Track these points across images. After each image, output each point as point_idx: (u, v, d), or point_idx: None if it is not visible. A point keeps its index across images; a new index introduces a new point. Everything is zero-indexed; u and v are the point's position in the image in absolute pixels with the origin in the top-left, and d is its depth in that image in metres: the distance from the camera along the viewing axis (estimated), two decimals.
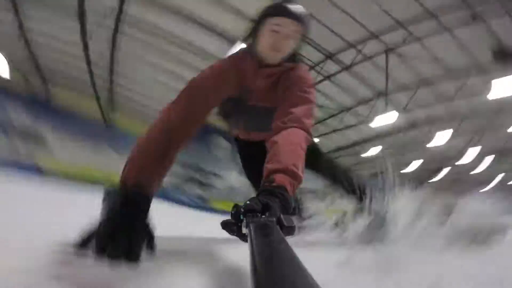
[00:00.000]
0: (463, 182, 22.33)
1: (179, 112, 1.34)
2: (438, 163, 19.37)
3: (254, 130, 1.93)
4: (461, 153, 16.75)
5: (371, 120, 12.29)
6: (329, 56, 9.61)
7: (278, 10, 1.45)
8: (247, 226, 0.74)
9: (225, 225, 0.86)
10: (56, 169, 12.63)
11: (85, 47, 8.99)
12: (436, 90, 11.07)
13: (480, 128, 13.91)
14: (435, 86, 10.87)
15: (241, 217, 0.81)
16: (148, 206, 1.11)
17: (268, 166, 1.15)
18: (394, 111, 11.50)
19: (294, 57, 1.58)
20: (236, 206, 0.85)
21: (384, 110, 11.40)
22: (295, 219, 0.84)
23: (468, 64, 9.42)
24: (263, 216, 0.80)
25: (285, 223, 0.77)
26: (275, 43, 1.46)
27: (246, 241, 0.77)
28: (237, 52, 1.67)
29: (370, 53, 9.44)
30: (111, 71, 11.32)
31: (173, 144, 1.25)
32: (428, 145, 14.67)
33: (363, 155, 17.02)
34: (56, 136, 13.55)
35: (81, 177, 12.71)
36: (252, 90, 1.62)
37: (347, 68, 10.09)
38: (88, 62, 9.74)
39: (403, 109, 11.92)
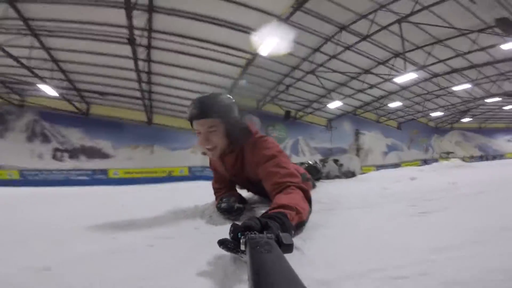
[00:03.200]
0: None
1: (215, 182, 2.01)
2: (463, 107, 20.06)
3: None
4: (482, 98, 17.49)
5: (392, 78, 13.08)
6: (342, 28, 10.25)
7: (189, 115, 1.52)
8: (245, 243, 0.73)
9: (221, 243, 0.85)
10: (124, 176, 15.62)
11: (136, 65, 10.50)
12: (451, 47, 11.49)
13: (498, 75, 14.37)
14: (448, 44, 11.31)
15: (239, 235, 0.81)
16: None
17: (269, 209, 1.16)
18: (413, 73, 12.27)
19: (240, 138, 1.60)
20: (234, 224, 0.86)
21: (404, 70, 12.09)
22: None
23: (475, 25, 9.90)
24: (262, 234, 0.77)
25: (284, 241, 0.75)
26: (201, 143, 1.56)
27: (243, 258, 0.84)
28: None
29: (383, 23, 9.96)
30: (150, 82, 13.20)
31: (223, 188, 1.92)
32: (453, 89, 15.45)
33: (390, 105, 17.99)
34: (114, 146, 16.51)
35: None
36: (233, 175, 1.80)
37: (365, 37, 10.71)
38: (140, 79, 11.56)
39: (421, 67, 12.55)
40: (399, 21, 9.81)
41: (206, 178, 14.09)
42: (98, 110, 16.22)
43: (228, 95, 1.59)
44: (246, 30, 9.54)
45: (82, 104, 15.72)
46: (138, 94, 13.39)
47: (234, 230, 0.84)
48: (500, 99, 17.34)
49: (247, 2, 8.62)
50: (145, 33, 9.56)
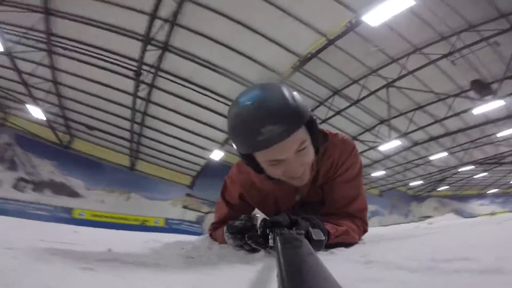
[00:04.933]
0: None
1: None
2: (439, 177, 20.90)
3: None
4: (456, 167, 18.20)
5: (378, 146, 13.35)
6: (336, 92, 10.71)
7: (261, 144, 0.94)
8: (274, 239, 0.69)
9: (250, 237, 0.83)
10: (92, 219, 13.69)
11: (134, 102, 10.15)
12: (429, 113, 12.19)
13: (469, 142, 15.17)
14: (427, 110, 12.00)
15: (267, 231, 0.78)
16: None
17: None
18: (397, 140, 12.61)
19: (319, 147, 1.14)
20: (264, 219, 0.82)
21: (389, 137, 12.45)
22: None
23: (452, 89, 10.65)
24: (292, 230, 0.73)
25: (314, 237, 0.73)
26: (287, 175, 1.06)
27: (272, 254, 0.81)
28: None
29: (372, 88, 10.53)
30: (143, 125, 12.45)
31: None
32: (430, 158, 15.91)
33: (373, 174, 18.03)
34: (86, 186, 14.65)
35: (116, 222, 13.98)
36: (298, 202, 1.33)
37: (355, 102, 11.11)
38: (133, 119, 10.99)
39: (404, 134, 13.11)
40: (386, 86, 10.44)
41: (183, 231, 13.59)
42: (80, 146, 14.55)
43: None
44: (248, 84, 9.50)
45: (65, 136, 14.16)
46: (127, 135, 12.39)
47: (263, 226, 0.82)
48: (472, 167, 18.22)
49: (253, 56, 8.81)
50: (152, 70, 9.28)
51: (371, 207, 21.69)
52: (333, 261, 0.77)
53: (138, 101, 10.27)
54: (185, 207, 16.26)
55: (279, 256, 0.53)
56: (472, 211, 23.26)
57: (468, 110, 11.11)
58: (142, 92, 9.95)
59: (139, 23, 7.69)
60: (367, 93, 10.81)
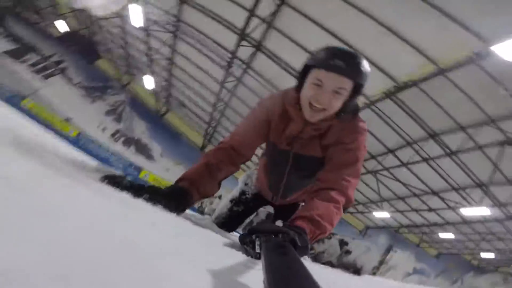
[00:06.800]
0: None
1: (238, 137, 1.50)
2: None
3: (293, 190, 1.72)
4: None
5: (460, 208, 10.52)
6: (433, 135, 8.39)
7: (323, 63, 1.19)
8: (261, 246, 0.72)
9: (242, 238, 0.90)
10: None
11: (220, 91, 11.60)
12: None
13: None
14: None
15: (254, 237, 0.81)
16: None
17: (295, 214, 1.15)
18: (485, 207, 9.67)
19: (346, 111, 1.30)
20: (250, 227, 0.86)
21: (479, 203, 9.69)
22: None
23: None
24: (278, 237, 0.77)
25: (300, 243, 0.79)
26: (315, 98, 1.22)
27: (258, 258, 0.82)
28: (290, 92, 1.41)
29: (482, 141, 7.97)
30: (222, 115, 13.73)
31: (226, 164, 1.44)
32: None
33: (441, 235, 15.06)
34: (162, 153, 16.76)
35: None
36: (298, 137, 1.44)
37: (452, 153, 8.65)
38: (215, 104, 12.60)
39: (501, 205, 10.12)
40: (503, 144, 7.79)
41: None
42: (171, 117, 17.86)
43: None
44: None
45: (163, 107, 17.80)
46: (206, 116, 14.55)
47: (250, 232, 0.85)
48: None
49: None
50: (243, 66, 9.84)
51: (419, 264, 18.99)
52: None
53: (224, 91, 11.43)
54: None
55: (265, 262, 0.54)
56: None
57: None
58: (231, 84, 10.94)
59: (238, 17, 8.10)
60: (471, 146, 8.26)
